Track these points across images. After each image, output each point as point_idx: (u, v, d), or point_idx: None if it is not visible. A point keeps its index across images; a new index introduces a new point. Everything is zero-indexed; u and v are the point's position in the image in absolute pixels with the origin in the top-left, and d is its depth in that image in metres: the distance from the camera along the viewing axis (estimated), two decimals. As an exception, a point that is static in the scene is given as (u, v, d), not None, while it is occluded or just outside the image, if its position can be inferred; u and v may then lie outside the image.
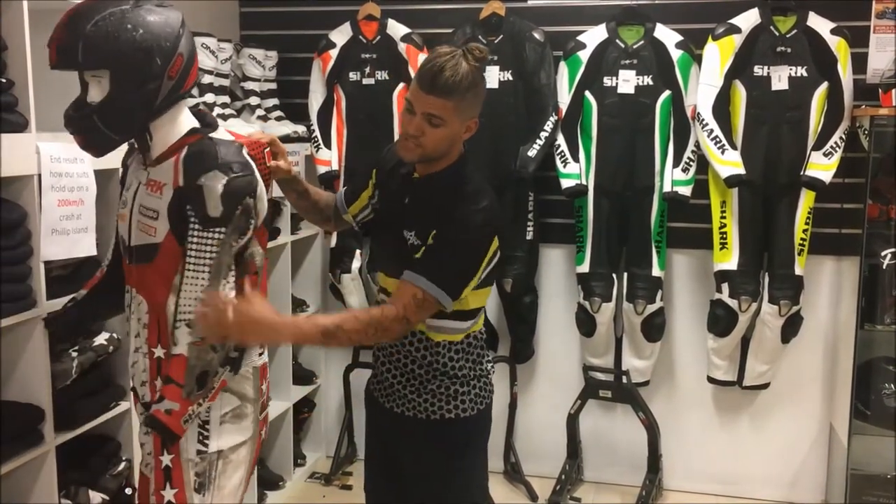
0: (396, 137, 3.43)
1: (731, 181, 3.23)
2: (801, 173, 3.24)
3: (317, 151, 3.64)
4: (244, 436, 1.96)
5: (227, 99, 3.39)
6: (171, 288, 1.83)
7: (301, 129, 3.65)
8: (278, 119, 3.61)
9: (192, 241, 1.79)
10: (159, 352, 1.87)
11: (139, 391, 1.95)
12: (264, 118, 3.57)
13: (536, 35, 3.43)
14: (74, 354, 2.43)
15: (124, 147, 1.98)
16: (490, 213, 1.89)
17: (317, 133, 3.65)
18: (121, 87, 1.77)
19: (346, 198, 2.17)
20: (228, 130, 1.98)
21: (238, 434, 1.94)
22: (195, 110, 1.94)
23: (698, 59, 3.34)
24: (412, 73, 3.49)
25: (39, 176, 2.22)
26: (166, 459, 1.88)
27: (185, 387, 1.78)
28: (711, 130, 3.25)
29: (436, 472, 2.05)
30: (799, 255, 3.32)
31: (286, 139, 3.50)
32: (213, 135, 1.87)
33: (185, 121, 1.89)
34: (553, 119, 3.42)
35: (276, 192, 2.18)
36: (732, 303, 3.35)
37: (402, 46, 3.55)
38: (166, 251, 1.83)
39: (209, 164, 1.79)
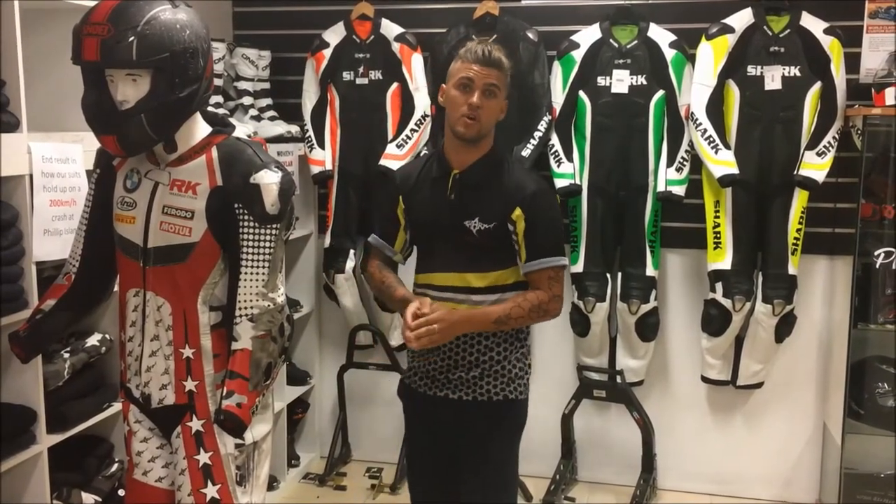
0: (391, 137, 3.50)
1: (725, 181, 3.24)
2: (795, 173, 3.24)
3: (310, 151, 3.63)
4: (269, 424, 2.00)
5: (220, 99, 3.38)
6: (204, 286, 1.84)
7: (294, 128, 3.63)
8: (271, 119, 3.59)
9: (249, 239, 1.82)
10: (188, 352, 1.86)
11: (155, 395, 1.91)
12: (257, 118, 3.56)
13: (530, 34, 3.42)
14: (66, 356, 2.43)
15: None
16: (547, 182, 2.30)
17: (310, 133, 3.64)
18: (166, 87, 1.74)
19: (388, 241, 2.29)
20: None
21: (265, 424, 1.98)
22: (202, 110, 1.93)
23: (692, 59, 3.34)
24: (406, 73, 3.52)
25: (31, 176, 2.21)
26: (204, 458, 1.88)
27: (252, 379, 1.80)
28: (705, 130, 3.25)
29: (497, 454, 2.21)
30: (792, 254, 3.32)
31: (279, 139, 3.49)
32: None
33: (202, 121, 1.89)
34: (547, 119, 3.42)
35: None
36: (726, 302, 3.35)
37: (395, 46, 3.54)
38: (202, 250, 1.83)
39: (255, 163, 1.81)
